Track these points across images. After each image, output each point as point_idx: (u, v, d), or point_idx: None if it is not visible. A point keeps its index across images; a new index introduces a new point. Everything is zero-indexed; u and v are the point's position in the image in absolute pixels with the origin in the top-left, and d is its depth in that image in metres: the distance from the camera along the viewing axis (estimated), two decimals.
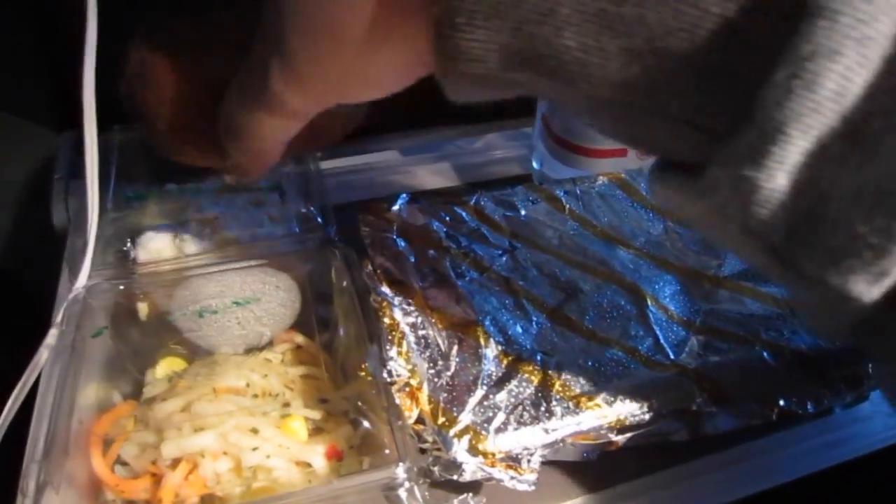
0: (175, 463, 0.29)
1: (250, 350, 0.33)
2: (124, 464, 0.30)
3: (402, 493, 0.30)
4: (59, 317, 0.31)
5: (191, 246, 0.37)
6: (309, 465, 0.30)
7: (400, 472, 0.26)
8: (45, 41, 0.45)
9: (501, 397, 0.28)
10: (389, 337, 0.30)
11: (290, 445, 0.30)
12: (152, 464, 0.30)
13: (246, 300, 0.32)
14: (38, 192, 0.46)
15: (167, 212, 0.38)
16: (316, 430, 0.32)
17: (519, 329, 0.32)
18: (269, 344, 0.34)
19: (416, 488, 0.30)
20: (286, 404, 0.31)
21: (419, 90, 0.21)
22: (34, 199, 0.50)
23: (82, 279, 0.31)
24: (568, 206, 0.40)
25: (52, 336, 0.30)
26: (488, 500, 0.28)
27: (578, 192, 0.41)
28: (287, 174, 0.43)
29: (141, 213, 0.38)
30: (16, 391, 0.27)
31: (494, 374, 0.29)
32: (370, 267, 0.34)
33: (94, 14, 0.30)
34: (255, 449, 0.30)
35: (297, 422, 0.31)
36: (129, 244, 0.35)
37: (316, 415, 0.31)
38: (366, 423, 0.31)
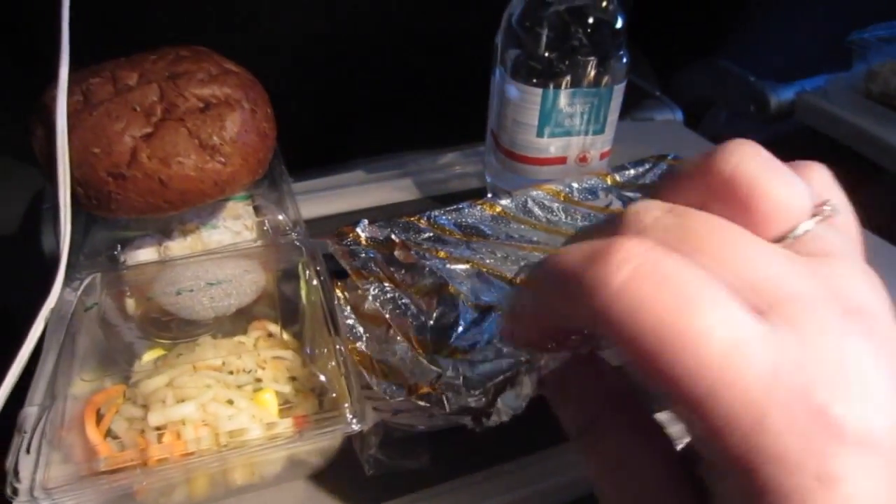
0: (160, 435, 0.33)
1: (218, 318, 0.37)
2: (115, 438, 0.34)
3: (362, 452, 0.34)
4: (52, 305, 0.35)
5: (174, 253, 0.42)
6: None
7: (350, 419, 0.30)
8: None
9: (480, 330, 0.32)
10: (347, 312, 0.35)
11: (262, 415, 0.34)
12: (140, 436, 0.33)
13: (218, 281, 0.36)
14: (30, 221, 0.50)
15: (153, 222, 0.42)
16: (286, 408, 0.36)
17: (485, 290, 0.36)
18: (244, 332, 0.38)
19: (374, 448, 0.34)
20: (258, 380, 0.35)
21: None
22: (26, 228, 0.54)
23: (62, 269, 0.35)
24: (510, 213, 0.45)
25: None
26: None
27: (517, 202, 0.46)
28: (262, 192, 0.48)
29: (128, 224, 0.42)
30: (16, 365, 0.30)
31: (471, 316, 0.33)
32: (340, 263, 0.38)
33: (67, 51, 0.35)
34: (230, 418, 0.33)
35: (268, 394, 0.35)
36: (118, 249, 0.39)
37: (285, 388, 0.35)
38: (330, 395, 0.35)
